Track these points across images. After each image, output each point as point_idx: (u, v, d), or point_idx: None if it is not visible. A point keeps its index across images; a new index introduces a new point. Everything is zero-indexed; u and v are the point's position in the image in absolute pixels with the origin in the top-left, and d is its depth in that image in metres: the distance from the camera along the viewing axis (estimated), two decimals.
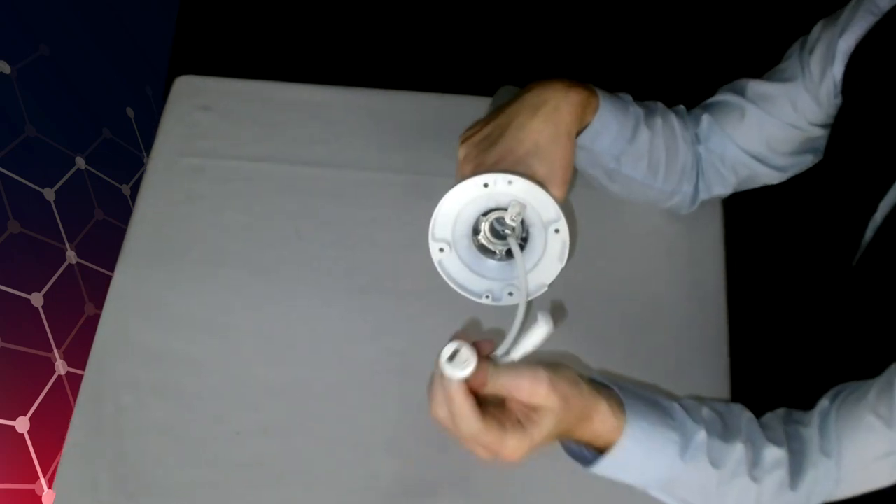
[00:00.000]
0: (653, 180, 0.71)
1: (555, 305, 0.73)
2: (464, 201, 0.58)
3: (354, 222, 0.80)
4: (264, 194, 0.82)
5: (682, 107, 0.73)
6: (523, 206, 0.57)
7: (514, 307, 0.54)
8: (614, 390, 0.56)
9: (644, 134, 0.68)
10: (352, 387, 0.73)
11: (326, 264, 0.78)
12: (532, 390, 0.50)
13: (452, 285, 0.60)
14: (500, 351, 0.53)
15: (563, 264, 0.59)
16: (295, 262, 0.78)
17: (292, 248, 0.79)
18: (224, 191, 0.82)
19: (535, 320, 0.50)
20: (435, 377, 0.51)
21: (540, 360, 0.52)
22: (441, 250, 0.59)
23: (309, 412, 0.72)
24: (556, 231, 0.58)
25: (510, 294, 0.60)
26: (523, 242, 0.59)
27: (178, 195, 0.82)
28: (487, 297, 0.60)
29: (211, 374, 0.73)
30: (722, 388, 0.73)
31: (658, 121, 0.69)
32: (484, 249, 0.60)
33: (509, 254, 0.60)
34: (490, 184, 0.57)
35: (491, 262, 0.60)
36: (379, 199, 0.81)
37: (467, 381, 0.50)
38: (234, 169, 0.83)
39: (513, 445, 0.50)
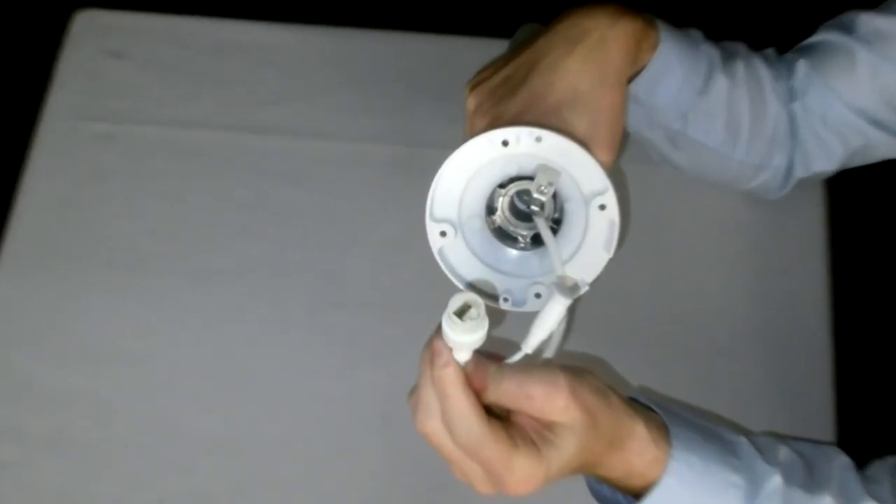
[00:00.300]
0: (731, 149, 0.67)
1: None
2: (475, 167, 0.55)
3: (323, 212, 0.76)
4: (198, 173, 0.77)
5: (770, 50, 0.69)
6: (556, 174, 0.54)
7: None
8: (657, 413, 0.53)
9: (721, 83, 0.64)
10: (317, 439, 0.69)
11: (284, 271, 0.75)
12: (546, 399, 0.47)
13: (458, 283, 0.57)
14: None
15: (611, 254, 0.56)
16: (240, 268, 0.75)
17: (237, 247, 0.75)
18: (142, 168, 0.77)
19: (548, 294, 0.48)
20: (422, 377, 0.49)
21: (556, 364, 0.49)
22: (443, 234, 0.56)
23: (258, 474, 0.68)
24: (602, 207, 0.55)
25: (537, 296, 0.57)
26: (556, 225, 0.57)
27: (78, 174, 0.77)
28: (506, 299, 0.57)
29: (125, 421, 0.69)
30: (823, 427, 0.69)
31: (739, 67, 0.65)
32: (502, 235, 0.58)
33: (536, 240, 0.57)
34: (511, 141, 0.53)
35: (511, 253, 0.58)
36: (357, 179, 0.77)
37: (464, 372, 0.47)
38: (156, 138, 0.78)
39: (522, 469, 0.47)
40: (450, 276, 0.57)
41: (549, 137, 0.53)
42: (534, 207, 0.55)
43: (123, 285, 0.74)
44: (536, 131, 0.53)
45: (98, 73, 0.81)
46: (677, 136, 0.66)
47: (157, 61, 0.82)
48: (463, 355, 0.48)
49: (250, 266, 0.75)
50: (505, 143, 0.54)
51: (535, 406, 0.47)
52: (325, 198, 0.77)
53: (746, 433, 0.55)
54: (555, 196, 0.55)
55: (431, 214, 0.56)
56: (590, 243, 0.56)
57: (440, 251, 0.57)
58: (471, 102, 0.59)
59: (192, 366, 0.71)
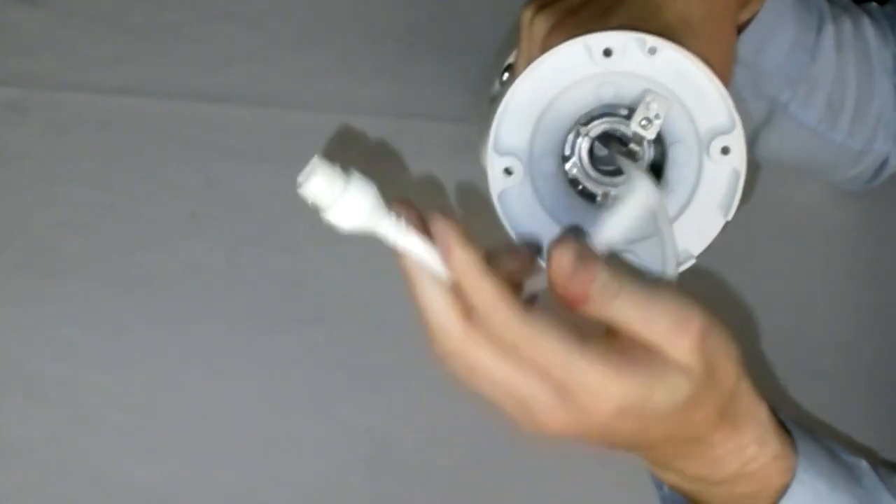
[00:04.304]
0: (830, 129, 0.66)
1: None
2: (560, 86, 0.50)
3: (291, 201, 0.71)
4: (132, 151, 0.75)
5: (873, 4, 0.67)
6: (667, 102, 0.49)
7: None
8: (786, 426, 0.50)
9: (828, 44, 0.63)
10: (286, 493, 0.67)
11: (240, 276, 0.72)
12: (669, 333, 0.42)
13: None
14: None
15: (730, 217, 0.51)
16: (185, 273, 0.72)
17: (181, 246, 0.73)
18: (62, 146, 0.75)
19: (626, 182, 0.47)
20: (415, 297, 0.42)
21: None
22: (507, 173, 0.52)
23: None
24: (725, 151, 0.50)
25: None
26: (654, 176, 0.52)
27: None
28: None
29: (35, 469, 0.66)
30: None
31: (847, 25, 0.64)
32: (578, 188, 0.54)
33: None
34: (616, 51, 0.49)
35: (590, 210, 0.54)
36: (334, 159, 0.74)
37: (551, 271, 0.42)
38: (79, 107, 0.76)
39: (596, 387, 0.40)
40: (510, 230, 0.54)
41: (668, 50, 0.48)
42: (634, 147, 0.50)
43: (36, 294, 0.71)
44: (651, 40, 0.48)
45: (6, 24, 0.78)
46: (778, 111, 0.64)
47: (81, 11, 0.79)
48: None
49: (198, 270, 0.72)
50: (607, 53, 0.49)
51: (655, 334, 0.43)
52: (293, 183, 0.71)
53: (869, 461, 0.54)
54: (657, 137, 0.51)
55: (496, 144, 0.51)
56: (701, 201, 0.51)
57: (501, 196, 0.52)
58: (542, 23, 0.55)
59: (123, 397, 0.68)
